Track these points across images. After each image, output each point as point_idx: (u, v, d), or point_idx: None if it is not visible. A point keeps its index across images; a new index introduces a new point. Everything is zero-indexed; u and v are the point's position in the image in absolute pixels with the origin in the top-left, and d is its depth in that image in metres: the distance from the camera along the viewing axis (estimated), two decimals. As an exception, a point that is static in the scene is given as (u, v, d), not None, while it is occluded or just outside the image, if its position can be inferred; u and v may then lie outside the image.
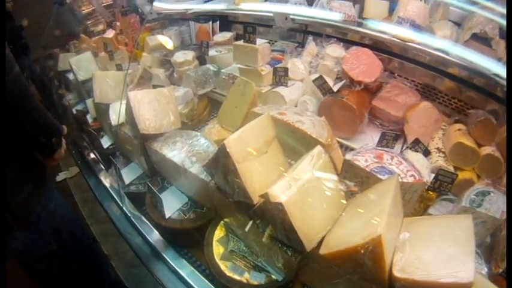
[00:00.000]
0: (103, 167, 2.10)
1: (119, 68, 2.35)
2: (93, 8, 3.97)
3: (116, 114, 1.64)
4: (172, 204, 1.41)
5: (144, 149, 1.49)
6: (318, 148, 0.99)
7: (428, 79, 1.68)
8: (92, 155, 2.27)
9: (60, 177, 3.68)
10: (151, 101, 1.43)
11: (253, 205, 0.97)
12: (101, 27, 4.14)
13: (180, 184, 1.43)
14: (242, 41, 1.78)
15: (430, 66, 1.64)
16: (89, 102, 2.28)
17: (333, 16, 1.68)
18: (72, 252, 1.56)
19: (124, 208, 1.65)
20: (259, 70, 1.73)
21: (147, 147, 1.45)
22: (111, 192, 1.82)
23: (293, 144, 1.18)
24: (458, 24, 1.63)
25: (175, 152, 1.30)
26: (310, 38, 1.96)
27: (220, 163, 0.98)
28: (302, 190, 0.87)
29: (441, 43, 1.40)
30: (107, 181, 1.92)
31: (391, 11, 1.83)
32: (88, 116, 2.33)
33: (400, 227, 0.84)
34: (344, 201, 0.96)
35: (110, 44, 2.93)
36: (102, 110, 1.90)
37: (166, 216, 1.37)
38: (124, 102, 1.54)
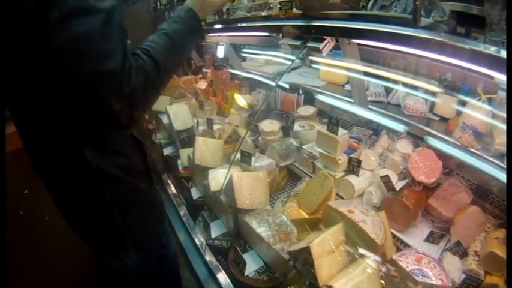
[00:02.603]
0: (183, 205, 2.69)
1: (209, 123, 2.92)
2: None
3: (215, 181, 2.17)
4: (251, 265, 1.91)
5: (235, 217, 2.02)
6: (372, 258, 1.46)
7: (482, 181, 1.99)
8: (174, 194, 2.84)
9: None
10: (249, 182, 1.95)
11: (319, 287, 1.45)
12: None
13: (260, 251, 1.92)
14: (326, 128, 2.24)
15: (487, 170, 1.82)
16: (183, 152, 2.85)
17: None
18: (166, 277, 1.91)
19: (205, 256, 2.19)
20: (337, 159, 2.19)
21: (239, 218, 1.97)
22: (195, 240, 2.37)
23: (354, 236, 1.64)
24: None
25: (263, 229, 1.80)
26: (384, 131, 2.38)
27: (303, 255, 1.45)
28: (354, 286, 1.34)
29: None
30: (193, 231, 2.48)
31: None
32: (179, 162, 2.90)
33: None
34: (383, 282, 1.41)
35: (201, 94, 3.51)
36: (198, 169, 2.45)
37: (245, 274, 1.88)
38: (223, 170, 2.11)
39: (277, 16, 1.98)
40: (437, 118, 2.30)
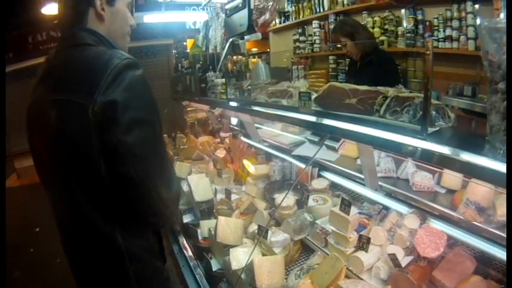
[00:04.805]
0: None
1: (227, 193, 3.23)
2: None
3: (236, 261, 2.44)
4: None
5: (255, 294, 2.31)
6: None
7: (486, 250, 2.07)
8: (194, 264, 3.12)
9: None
10: (268, 265, 2.25)
11: None
12: (201, 114, 5.11)
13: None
14: (338, 208, 2.51)
15: (490, 239, 2.04)
16: (203, 223, 3.11)
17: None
18: None
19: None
20: (348, 237, 2.46)
21: (259, 297, 2.26)
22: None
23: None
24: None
25: (280, 306, 2.09)
26: (393, 208, 2.62)
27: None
28: None
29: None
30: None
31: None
32: (199, 232, 3.17)
33: None
34: None
35: (220, 162, 3.84)
36: (219, 245, 2.72)
37: None
38: (243, 250, 2.40)
39: (297, 108, 2.28)
40: (444, 191, 2.53)
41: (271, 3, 3.29)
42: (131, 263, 1.55)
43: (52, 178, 1.56)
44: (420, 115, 1.52)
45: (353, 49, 4.00)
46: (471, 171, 1.30)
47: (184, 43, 5.90)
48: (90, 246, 1.56)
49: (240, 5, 3.55)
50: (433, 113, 1.54)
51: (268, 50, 8.83)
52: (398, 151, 1.68)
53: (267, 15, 3.31)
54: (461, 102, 2.73)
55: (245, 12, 3.48)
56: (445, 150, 1.36)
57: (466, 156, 1.27)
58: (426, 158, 1.46)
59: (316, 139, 2.10)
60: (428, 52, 1.41)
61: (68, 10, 1.58)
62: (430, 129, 1.50)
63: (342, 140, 2.00)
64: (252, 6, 3.43)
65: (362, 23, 5.24)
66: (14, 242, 5.44)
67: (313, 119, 2.09)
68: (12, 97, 9.91)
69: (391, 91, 1.76)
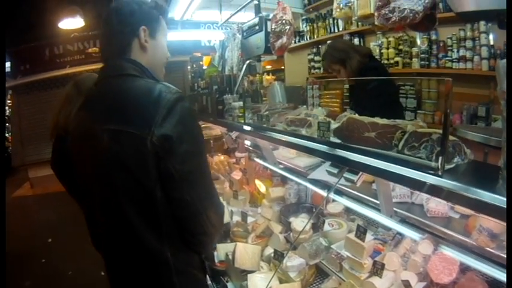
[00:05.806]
0: None
1: (243, 216, 3.31)
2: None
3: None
4: None
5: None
6: None
7: (498, 276, 2.05)
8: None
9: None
10: None
11: None
12: (216, 131, 5.19)
13: None
14: (354, 234, 2.59)
15: (502, 264, 2.04)
16: (219, 247, 3.17)
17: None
18: None
19: None
20: (362, 263, 2.54)
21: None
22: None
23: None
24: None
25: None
26: (407, 235, 2.70)
27: None
28: None
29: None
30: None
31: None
32: (215, 254, 3.22)
33: None
34: None
35: (236, 183, 3.92)
36: (236, 269, 2.81)
37: None
38: (260, 276, 2.48)
39: (315, 138, 2.36)
40: (457, 216, 2.57)
41: (288, 26, 3.37)
42: (177, 275, 1.71)
43: (104, 201, 1.68)
44: (437, 151, 1.57)
45: (345, 77, 4.00)
46: (487, 211, 1.35)
47: (201, 62, 5.95)
48: (141, 262, 1.70)
49: (257, 27, 3.63)
50: (450, 149, 1.61)
51: (282, 67, 8.90)
52: (415, 188, 1.74)
53: (284, 39, 3.39)
54: (476, 135, 2.78)
55: (262, 34, 3.58)
56: (461, 188, 1.42)
57: (481, 195, 1.33)
58: (443, 196, 1.51)
59: (335, 171, 2.16)
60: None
61: (113, 40, 1.72)
62: (447, 166, 1.56)
63: (360, 173, 2.06)
64: (269, 29, 3.52)
65: (353, 44, 5.46)
66: (26, 251, 5.56)
67: (332, 151, 2.17)
68: (27, 108, 10.19)
69: (409, 126, 1.82)
